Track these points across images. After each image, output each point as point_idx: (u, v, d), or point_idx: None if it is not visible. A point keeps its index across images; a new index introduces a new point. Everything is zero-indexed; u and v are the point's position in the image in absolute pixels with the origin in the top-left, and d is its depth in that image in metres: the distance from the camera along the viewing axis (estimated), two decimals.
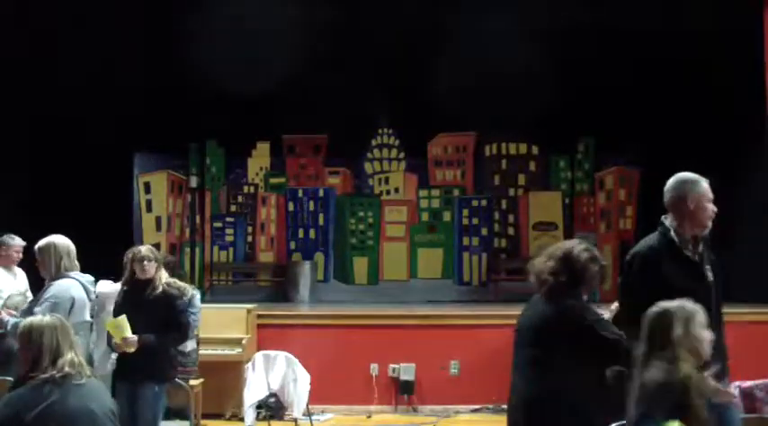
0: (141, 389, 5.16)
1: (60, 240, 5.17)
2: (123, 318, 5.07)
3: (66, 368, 3.43)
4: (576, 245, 3.66)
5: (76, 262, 5.20)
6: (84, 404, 3.43)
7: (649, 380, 3.10)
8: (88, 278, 5.27)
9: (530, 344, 3.60)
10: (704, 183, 4.00)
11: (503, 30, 9.29)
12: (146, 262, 5.20)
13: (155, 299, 5.18)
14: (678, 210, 3.95)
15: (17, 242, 6.97)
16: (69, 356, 3.47)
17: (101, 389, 3.63)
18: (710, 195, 3.98)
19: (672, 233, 3.95)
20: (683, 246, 3.94)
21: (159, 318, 5.14)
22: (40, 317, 3.63)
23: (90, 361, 5.03)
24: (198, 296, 6.84)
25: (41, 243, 5.19)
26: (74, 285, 5.06)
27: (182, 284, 5.35)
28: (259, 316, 8.15)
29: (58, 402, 3.37)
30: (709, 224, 3.98)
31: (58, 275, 5.06)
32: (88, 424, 3.43)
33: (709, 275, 3.95)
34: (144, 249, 5.33)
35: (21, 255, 6.95)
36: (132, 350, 5.08)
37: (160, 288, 5.19)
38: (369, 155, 11.94)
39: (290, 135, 11.82)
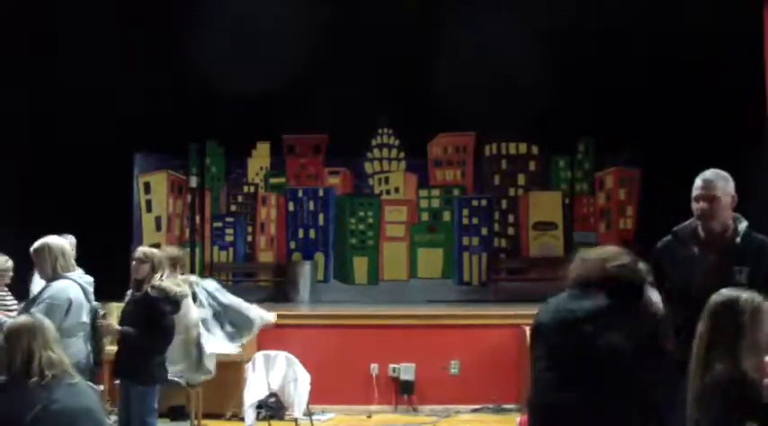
0: (130, 389, 5.23)
1: (55, 241, 5.14)
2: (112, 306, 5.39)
3: (46, 370, 3.39)
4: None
5: (73, 263, 5.18)
6: (82, 403, 3.43)
7: (715, 380, 2.91)
8: (87, 279, 5.26)
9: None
10: (697, 181, 4.02)
11: (503, 30, 9.29)
12: (134, 263, 5.35)
13: (137, 299, 5.31)
14: None
15: (70, 240, 6.95)
16: (46, 354, 3.41)
17: (88, 387, 3.63)
18: (696, 192, 3.99)
19: (682, 229, 4.03)
20: (691, 242, 3.95)
21: (138, 318, 5.24)
22: (15, 319, 3.61)
23: (89, 363, 5.07)
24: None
25: (36, 244, 5.16)
26: (71, 286, 5.02)
27: (168, 286, 5.34)
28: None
29: (55, 403, 3.35)
30: (702, 220, 3.96)
31: (55, 276, 5.05)
32: (88, 422, 3.42)
33: (709, 273, 3.83)
34: (138, 250, 5.47)
35: (73, 252, 6.95)
36: (108, 337, 5.38)
37: (145, 289, 5.27)
38: (369, 155, 11.94)
39: (290, 135, 11.83)
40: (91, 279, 5.35)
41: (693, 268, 3.89)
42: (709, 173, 4.03)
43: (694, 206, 3.98)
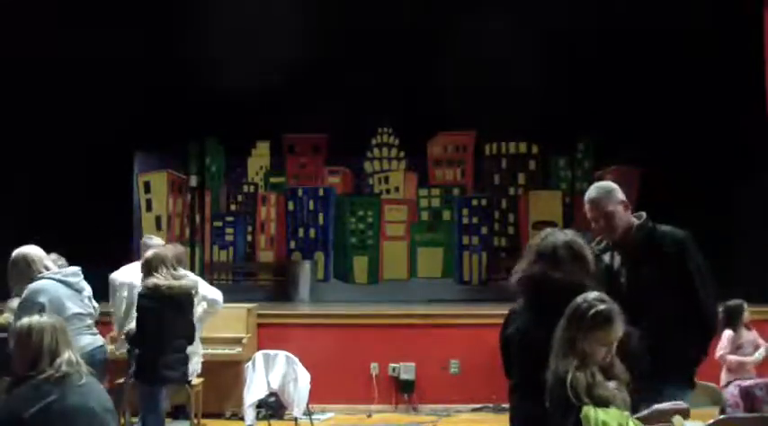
0: (139, 388, 5.28)
1: (19, 253, 5.20)
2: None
3: (64, 367, 3.44)
4: None
5: (46, 263, 5.19)
6: (83, 403, 3.45)
7: (551, 376, 3.05)
8: (69, 271, 5.26)
9: None
10: (585, 201, 4.03)
11: (503, 30, 9.29)
12: None
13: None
14: None
15: (155, 241, 6.93)
16: (67, 355, 3.49)
17: (99, 388, 3.64)
18: (588, 214, 4.00)
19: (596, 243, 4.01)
20: (603, 252, 3.95)
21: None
22: (36, 318, 3.63)
23: (100, 357, 5.14)
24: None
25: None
26: (44, 285, 5.04)
27: (157, 282, 5.35)
28: (259, 316, 8.16)
29: (58, 400, 3.39)
30: (605, 237, 3.97)
31: (32, 278, 5.08)
32: (87, 422, 3.44)
33: (622, 279, 3.85)
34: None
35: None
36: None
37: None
38: (369, 154, 11.94)
39: (290, 134, 11.83)
40: (74, 269, 5.35)
41: (609, 276, 3.84)
42: (593, 192, 4.00)
43: (592, 225, 3.97)
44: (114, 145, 10.13)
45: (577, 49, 9.87)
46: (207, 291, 6.43)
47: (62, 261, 6.23)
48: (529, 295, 3.37)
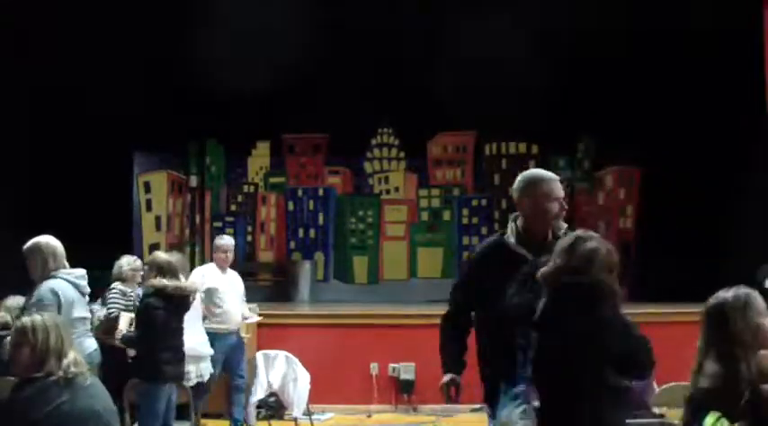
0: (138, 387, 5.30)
1: (46, 240, 5.13)
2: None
3: (72, 368, 3.41)
4: None
5: (65, 262, 5.17)
6: (90, 406, 3.43)
7: (712, 381, 2.89)
8: (78, 273, 5.24)
9: None
10: (546, 183, 3.89)
11: (502, 29, 9.29)
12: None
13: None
14: (521, 209, 3.87)
15: (225, 241, 6.89)
16: (72, 355, 3.46)
17: (102, 388, 3.63)
18: (554, 194, 3.85)
19: (509, 232, 3.81)
20: (522, 244, 3.74)
21: (137, 319, 5.54)
22: (41, 316, 3.59)
23: (98, 358, 5.15)
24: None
25: (27, 244, 5.15)
26: (59, 284, 5.02)
27: (160, 282, 5.34)
28: (259, 316, 8.15)
29: (67, 402, 3.36)
30: (556, 223, 3.81)
31: (44, 276, 5.05)
32: (94, 424, 3.43)
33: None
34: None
35: (231, 255, 6.92)
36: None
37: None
38: (369, 154, 11.95)
39: (291, 134, 11.83)
40: (83, 272, 5.34)
41: (523, 266, 3.63)
42: (553, 174, 3.92)
43: (548, 206, 3.82)
44: (114, 145, 10.13)
45: (577, 49, 9.87)
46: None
47: (139, 262, 6.29)
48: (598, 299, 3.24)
